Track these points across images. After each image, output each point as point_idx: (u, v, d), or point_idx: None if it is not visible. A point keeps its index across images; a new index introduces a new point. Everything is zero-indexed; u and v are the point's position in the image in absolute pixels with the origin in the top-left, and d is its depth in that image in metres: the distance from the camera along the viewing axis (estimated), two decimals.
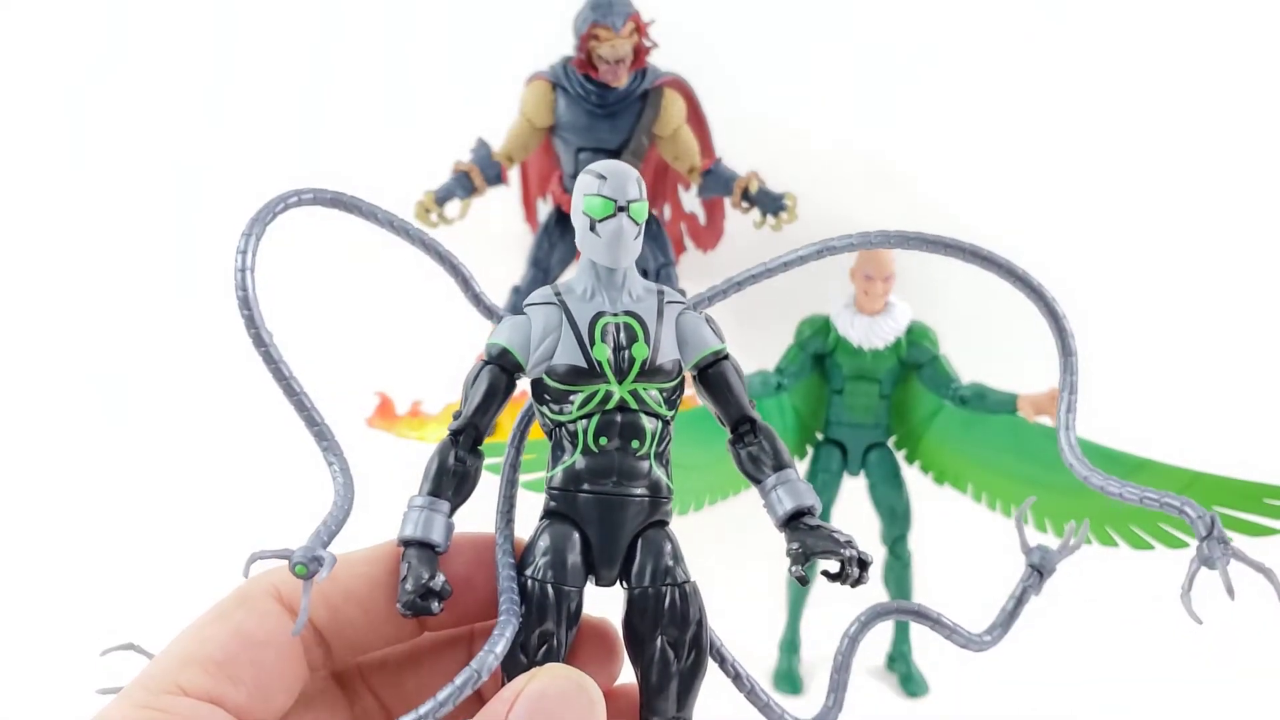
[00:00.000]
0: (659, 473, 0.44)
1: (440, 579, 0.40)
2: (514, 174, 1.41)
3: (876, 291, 1.09)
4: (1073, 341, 0.45)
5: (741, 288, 0.48)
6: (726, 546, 1.29)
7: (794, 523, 0.42)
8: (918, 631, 1.19)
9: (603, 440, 0.43)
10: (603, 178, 0.42)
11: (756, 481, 0.44)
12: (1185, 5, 1.57)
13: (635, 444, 0.43)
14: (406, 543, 0.41)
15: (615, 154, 1.30)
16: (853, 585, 0.41)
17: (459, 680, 0.38)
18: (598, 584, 0.43)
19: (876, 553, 1.19)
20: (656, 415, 0.43)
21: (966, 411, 1.09)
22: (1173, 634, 1.20)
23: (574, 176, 1.33)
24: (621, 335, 0.42)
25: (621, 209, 0.42)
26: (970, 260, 0.45)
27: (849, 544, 0.41)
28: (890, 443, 1.16)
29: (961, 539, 1.21)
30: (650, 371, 0.43)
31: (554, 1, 1.34)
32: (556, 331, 0.43)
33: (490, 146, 1.32)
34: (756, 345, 1.23)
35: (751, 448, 0.44)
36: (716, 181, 1.32)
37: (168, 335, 1.43)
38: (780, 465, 0.43)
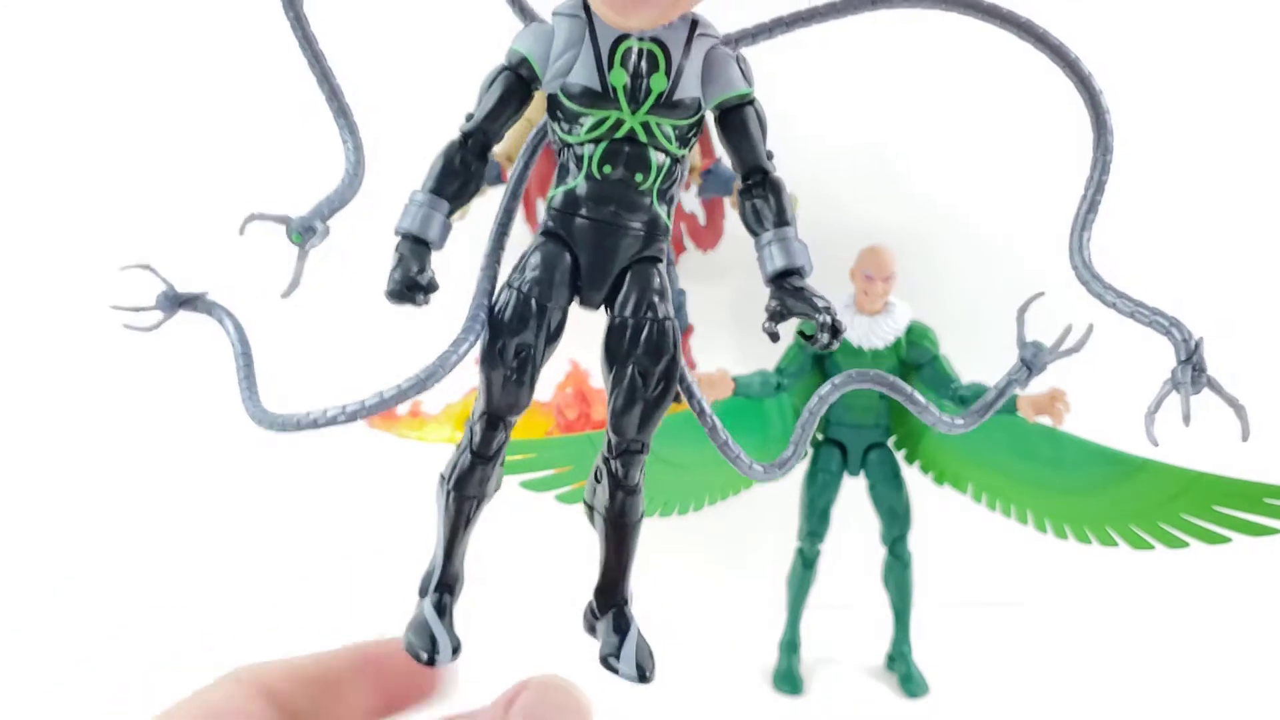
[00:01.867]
0: (659, 209, 0.43)
1: (429, 274, 0.40)
2: (511, 175, 1.41)
3: (876, 291, 1.09)
4: (1109, 119, 0.42)
5: (790, 28, 0.44)
6: (727, 546, 1.29)
7: (781, 281, 0.42)
8: (918, 631, 1.19)
9: (606, 168, 0.42)
10: None
11: (755, 235, 0.43)
12: (1184, 4, 1.57)
13: (639, 177, 0.42)
14: (403, 234, 0.41)
15: None
16: (823, 348, 0.41)
17: (421, 373, 0.39)
18: (581, 305, 0.43)
19: (876, 553, 1.19)
20: (666, 151, 0.42)
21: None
22: (1173, 634, 1.20)
23: None
24: (643, 63, 0.41)
25: None
26: (1003, 25, 0.43)
27: (826, 309, 0.41)
28: (890, 443, 1.17)
29: (961, 539, 1.21)
30: (666, 105, 0.41)
31: (555, 2, 1.34)
32: (577, 47, 0.41)
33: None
34: (757, 345, 1.24)
35: (757, 200, 0.43)
36: (716, 181, 1.32)
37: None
38: (781, 223, 0.43)
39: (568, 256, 0.42)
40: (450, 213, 0.42)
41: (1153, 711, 1.13)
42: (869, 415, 1.14)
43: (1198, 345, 0.39)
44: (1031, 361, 0.43)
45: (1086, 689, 1.16)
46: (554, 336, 0.42)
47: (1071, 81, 0.41)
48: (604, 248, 0.42)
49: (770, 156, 0.43)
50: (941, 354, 1.11)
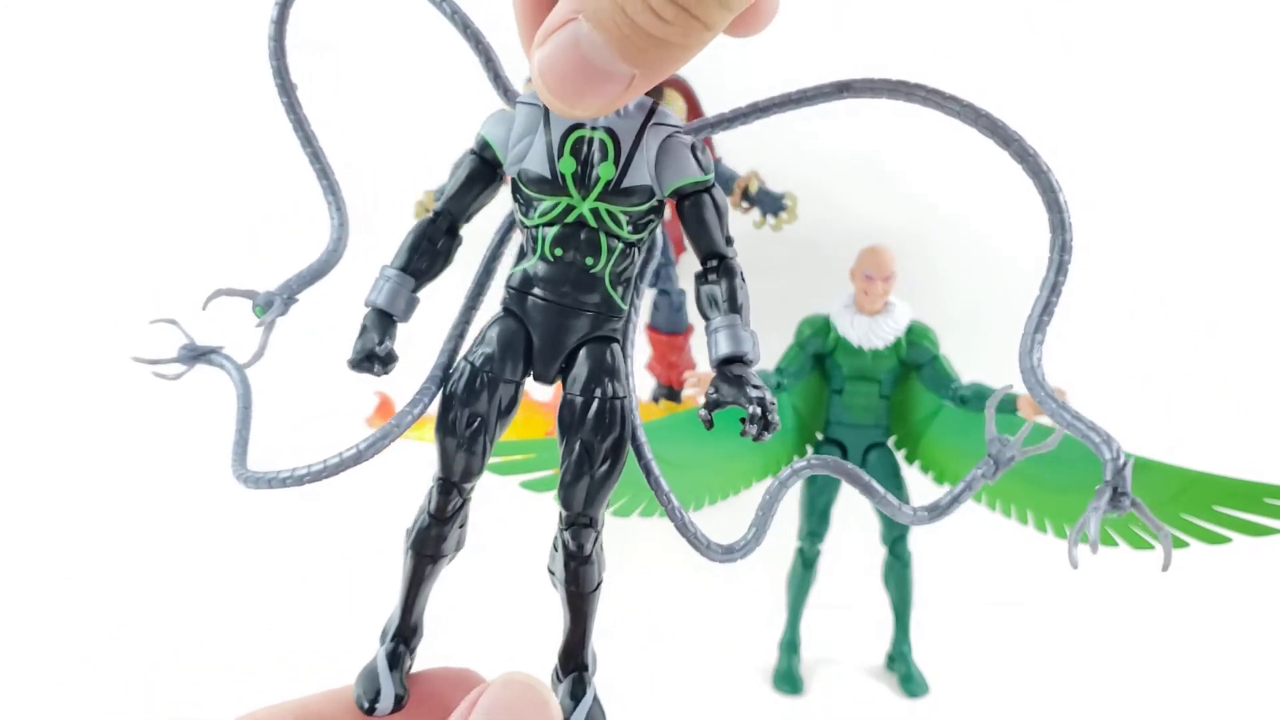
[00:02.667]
0: (613, 292, 0.44)
1: (387, 345, 0.43)
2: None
3: (876, 291, 1.08)
4: (1069, 235, 0.40)
5: (747, 119, 0.44)
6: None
7: (724, 367, 0.42)
8: (918, 631, 1.19)
9: (558, 251, 0.43)
10: None
11: (705, 319, 0.43)
12: (1184, 3, 1.57)
13: (590, 260, 0.43)
14: (370, 307, 0.43)
15: None
16: (754, 439, 0.40)
17: (377, 433, 0.42)
18: (535, 379, 0.44)
19: (876, 553, 1.19)
20: (618, 237, 0.43)
21: (966, 411, 1.09)
22: (1173, 634, 1.20)
23: None
24: (593, 151, 0.42)
25: None
26: (962, 118, 0.41)
27: (759, 400, 0.40)
28: (890, 443, 1.16)
29: (961, 539, 1.21)
30: (615, 192, 0.42)
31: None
32: (533, 134, 0.43)
33: None
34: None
35: (712, 286, 0.43)
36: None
37: None
38: (732, 310, 0.42)
39: (522, 334, 0.44)
40: (417, 288, 0.44)
41: (1153, 711, 1.13)
42: (869, 415, 1.14)
43: (1124, 467, 0.37)
44: (997, 457, 0.43)
45: (1087, 689, 1.16)
46: (506, 410, 0.44)
47: (1029, 176, 0.41)
48: (556, 326, 0.43)
49: (729, 242, 0.44)
50: (941, 354, 1.11)
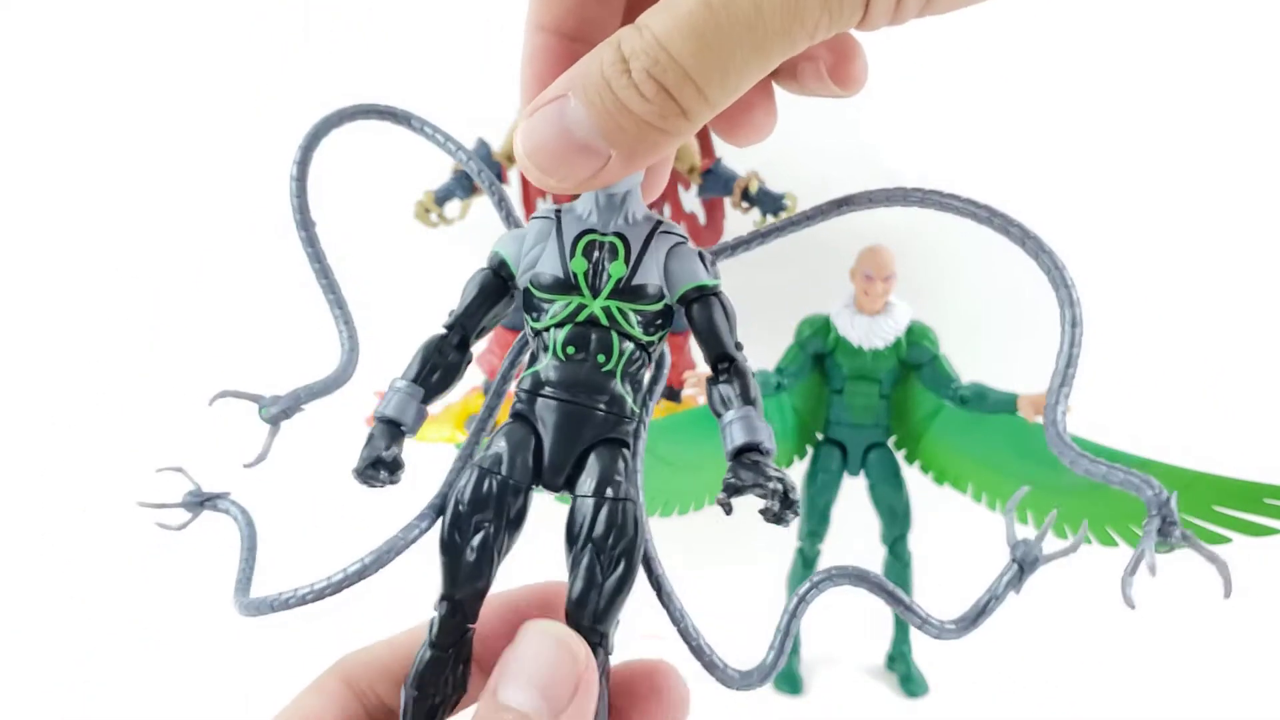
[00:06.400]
0: (623, 392, 0.44)
1: (393, 452, 0.43)
2: (514, 174, 1.41)
3: (876, 291, 1.08)
4: (1079, 310, 0.41)
5: (751, 247, 0.47)
6: (727, 546, 1.29)
7: (740, 456, 0.42)
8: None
9: (570, 349, 0.43)
10: None
11: (718, 416, 0.43)
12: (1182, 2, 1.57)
13: (601, 358, 0.43)
14: (379, 418, 0.43)
15: None
16: (773, 520, 0.40)
17: (367, 558, 0.42)
18: (544, 488, 0.44)
19: (876, 553, 1.19)
20: (629, 336, 0.43)
21: (966, 411, 1.09)
22: (1173, 634, 1.20)
23: None
24: (604, 253, 0.43)
25: None
26: (981, 220, 0.43)
27: (779, 480, 0.40)
28: (890, 443, 1.16)
29: (961, 539, 1.21)
30: (626, 290, 0.43)
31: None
32: (545, 242, 0.44)
33: (490, 146, 1.32)
34: (757, 345, 1.23)
35: (723, 386, 0.43)
36: (716, 181, 1.32)
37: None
38: (747, 402, 0.42)
39: (533, 437, 0.43)
40: (428, 400, 0.44)
41: (1153, 711, 1.13)
42: (869, 415, 1.14)
43: (1168, 500, 0.38)
44: (1023, 560, 0.43)
45: (1086, 689, 1.16)
46: (515, 522, 0.42)
47: (1034, 260, 0.42)
48: (567, 428, 0.43)
49: (739, 347, 0.44)
50: (941, 354, 1.11)
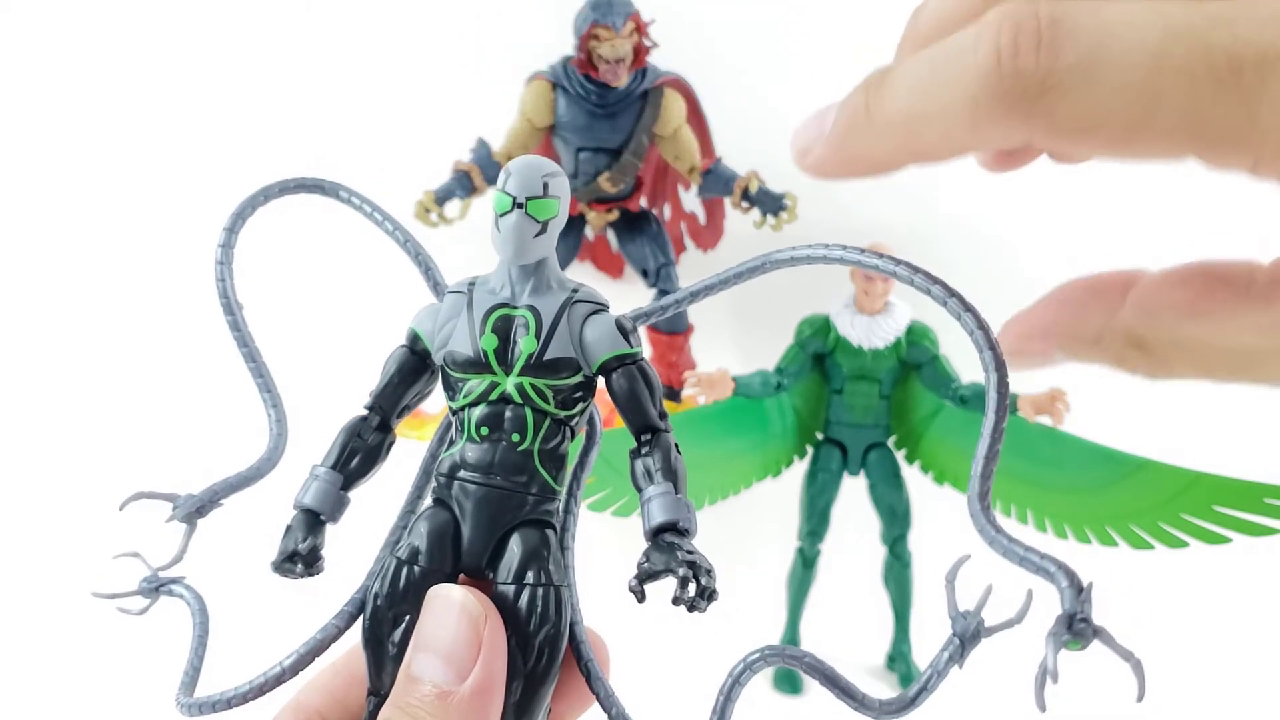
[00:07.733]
0: (543, 470, 0.42)
1: (308, 544, 0.42)
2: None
3: (876, 291, 1.09)
4: (1005, 372, 0.41)
5: (680, 306, 0.45)
6: (726, 546, 1.29)
7: (658, 537, 0.40)
8: (918, 632, 1.19)
9: (484, 430, 0.42)
10: (509, 173, 0.42)
11: (639, 490, 0.42)
12: None
13: (516, 437, 0.42)
14: (297, 507, 0.43)
15: (616, 154, 1.30)
16: (688, 609, 0.38)
17: (277, 667, 0.42)
18: (465, 574, 0.43)
19: (876, 553, 1.19)
20: (545, 412, 0.42)
21: (966, 411, 1.09)
22: (1172, 634, 1.20)
23: (574, 176, 1.34)
24: (516, 328, 0.42)
25: (519, 205, 0.41)
26: (916, 284, 0.41)
27: (689, 565, 0.38)
28: (890, 443, 1.17)
29: (961, 539, 1.21)
30: (539, 366, 0.42)
31: (554, 1, 1.34)
32: (457, 318, 0.43)
33: (490, 146, 1.32)
34: (756, 345, 1.24)
35: (646, 459, 0.42)
36: (716, 181, 1.32)
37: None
38: (668, 476, 0.41)
39: (452, 523, 0.42)
40: (348, 486, 0.44)
41: (1153, 711, 1.13)
42: (869, 415, 1.14)
43: (1082, 593, 0.37)
44: (962, 635, 0.41)
45: (1086, 689, 1.16)
46: None
47: (957, 320, 0.40)
48: (484, 511, 0.42)
49: (663, 416, 0.43)
50: (941, 354, 1.11)
